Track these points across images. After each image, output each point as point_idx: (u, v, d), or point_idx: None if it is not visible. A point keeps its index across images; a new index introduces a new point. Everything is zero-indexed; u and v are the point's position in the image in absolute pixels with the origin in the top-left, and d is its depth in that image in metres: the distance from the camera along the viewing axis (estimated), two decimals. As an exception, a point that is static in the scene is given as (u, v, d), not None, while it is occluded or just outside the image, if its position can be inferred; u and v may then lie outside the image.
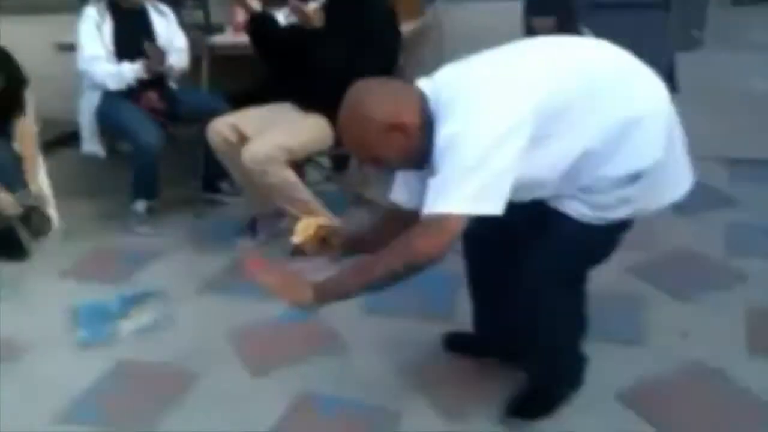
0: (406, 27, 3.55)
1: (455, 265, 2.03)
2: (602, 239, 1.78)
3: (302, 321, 2.44)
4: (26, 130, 3.13)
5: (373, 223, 2.03)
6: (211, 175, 3.46)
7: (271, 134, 2.78)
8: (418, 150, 1.65)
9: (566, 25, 2.75)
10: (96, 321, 2.60)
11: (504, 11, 3.10)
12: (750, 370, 2.10)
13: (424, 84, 1.70)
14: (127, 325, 2.57)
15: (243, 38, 3.37)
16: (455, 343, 2.28)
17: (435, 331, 2.33)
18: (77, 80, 3.36)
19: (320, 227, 1.88)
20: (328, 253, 1.91)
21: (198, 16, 3.95)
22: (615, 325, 2.35)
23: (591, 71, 1.67)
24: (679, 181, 1.79)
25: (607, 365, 2.14)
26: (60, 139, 3.94)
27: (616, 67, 1.70)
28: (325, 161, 3.51)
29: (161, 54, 3.23)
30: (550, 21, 2.79)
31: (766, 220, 2.95)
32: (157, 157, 3.17)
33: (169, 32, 3.39)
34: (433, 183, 1.58)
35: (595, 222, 1.71)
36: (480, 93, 1.59)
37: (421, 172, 1.72)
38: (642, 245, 2.80)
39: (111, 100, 3.27)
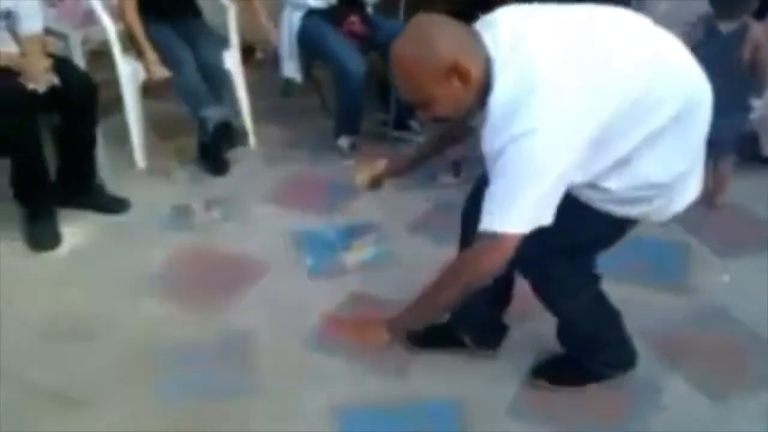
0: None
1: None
2: (601, 223, 1.69)
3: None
4: None
5: (426, 142, 2.13)
6: (402, 112, 3.39)
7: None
8: (467, 106, 1.53)
9: None
10: (320, 250, 2.60)
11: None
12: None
13: (485, 35, 1.52)
14: (350, 258, 2.57)
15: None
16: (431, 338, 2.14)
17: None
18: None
19: (376, 173, 2.06)
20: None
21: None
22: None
23: (651, 80, 1.52)
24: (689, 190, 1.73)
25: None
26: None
27: (672, 71, 1.57)
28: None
29: None
30: None
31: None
32: (361, 87, 3.09)
33: None
34: (493, 193, 1.49)
35: (598, 208, 1.64)
36: (558, 94, 1.43)
37: None
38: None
39: (313, 22, 3.19)
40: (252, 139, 3.36)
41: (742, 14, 2.62)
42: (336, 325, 2.03)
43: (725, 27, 2.63)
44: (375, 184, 2.07)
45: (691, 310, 2.33)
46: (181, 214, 2.82)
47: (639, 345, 2.10)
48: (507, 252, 1.51)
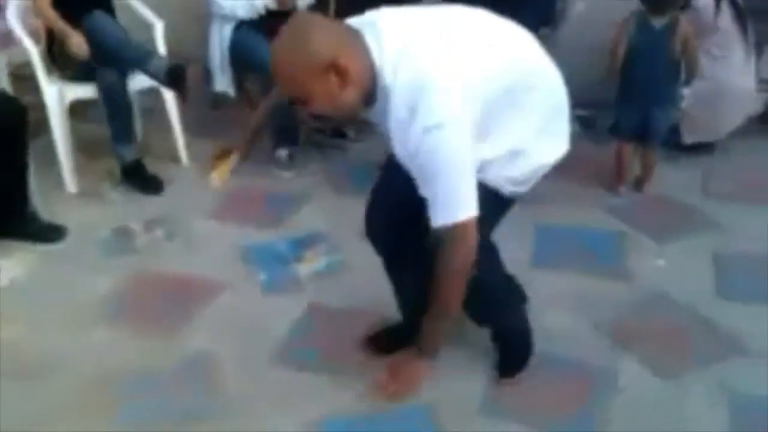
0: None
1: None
2: (507, 203, 1.84)
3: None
4: None
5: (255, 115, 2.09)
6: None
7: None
8: (349, 106, 1.58)
9: None
10: (272, 264, 2.57)
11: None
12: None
13: (367, 38, 1.56)
14: (303, 270, 2.55)
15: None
16: (383, 340, 2.18)
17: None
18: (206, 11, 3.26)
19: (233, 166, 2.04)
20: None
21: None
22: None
23: (517, 71, 1.67)
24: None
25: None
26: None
27: (533, 66, 1.72)
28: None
29: None
30: None
31: None
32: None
33: None
34: (435, 194, 1.58)
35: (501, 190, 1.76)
36: (449, 90, 1.53)
37: None
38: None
39: (244, 34, 3.17)
40: (184, 154, 3.28)
41: (672, 10, 2.80)
42: (379, 389, 1.95)
43: (657, 22, 2.80)
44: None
45: (633, 295, 2.44)
46: (122, 237, 2.72)
47: (591, 333, 2.22)
48: (473, 232, 1.61)
